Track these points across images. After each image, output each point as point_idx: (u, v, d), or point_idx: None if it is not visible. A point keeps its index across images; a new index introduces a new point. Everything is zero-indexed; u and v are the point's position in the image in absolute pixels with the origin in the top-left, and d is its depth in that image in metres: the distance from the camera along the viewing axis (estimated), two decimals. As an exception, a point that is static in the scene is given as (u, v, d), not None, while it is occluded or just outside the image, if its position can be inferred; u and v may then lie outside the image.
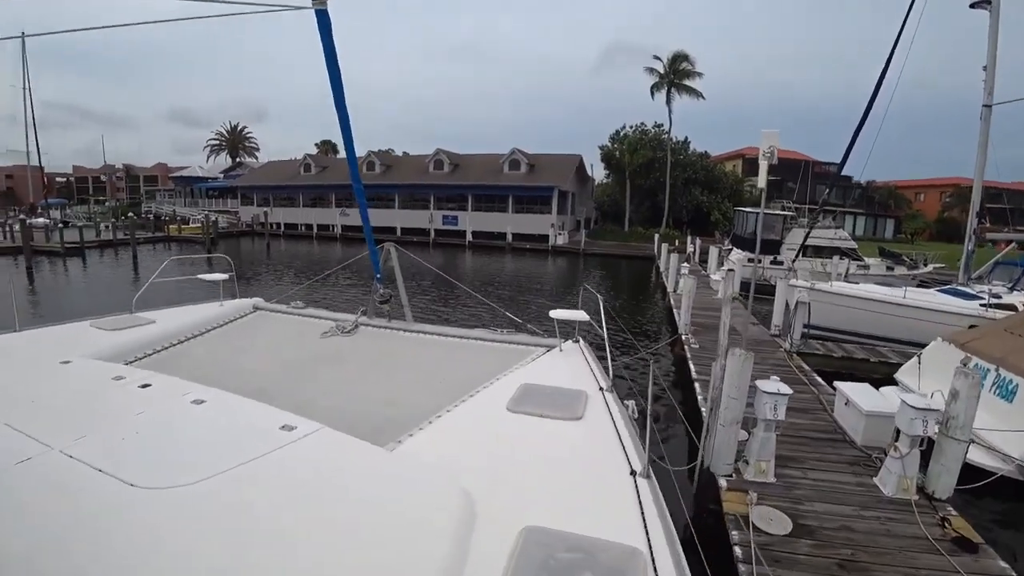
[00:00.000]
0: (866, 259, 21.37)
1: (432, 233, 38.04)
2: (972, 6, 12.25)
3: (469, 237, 36.92)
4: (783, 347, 9.99)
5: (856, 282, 13.58)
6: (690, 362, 9.02)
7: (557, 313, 4.34)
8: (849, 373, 9.59)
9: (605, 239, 37.57)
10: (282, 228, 44.81)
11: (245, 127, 62.59)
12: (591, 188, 49.24)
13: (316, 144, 70.56)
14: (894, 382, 8.08)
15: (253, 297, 6.02)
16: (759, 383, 4.94)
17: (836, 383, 6.67)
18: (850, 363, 9.91)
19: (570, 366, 3.88)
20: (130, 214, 42.66)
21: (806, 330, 10.11)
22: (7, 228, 30.78)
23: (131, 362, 3.95)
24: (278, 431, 2.37)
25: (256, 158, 62.37)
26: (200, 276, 5.81)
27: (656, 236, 32.53)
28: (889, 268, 21.14)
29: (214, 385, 2.94)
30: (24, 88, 37.97)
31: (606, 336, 3.92)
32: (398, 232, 38.94)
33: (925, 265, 21.74)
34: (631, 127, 42.39)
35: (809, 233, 16.08)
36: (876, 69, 12.53)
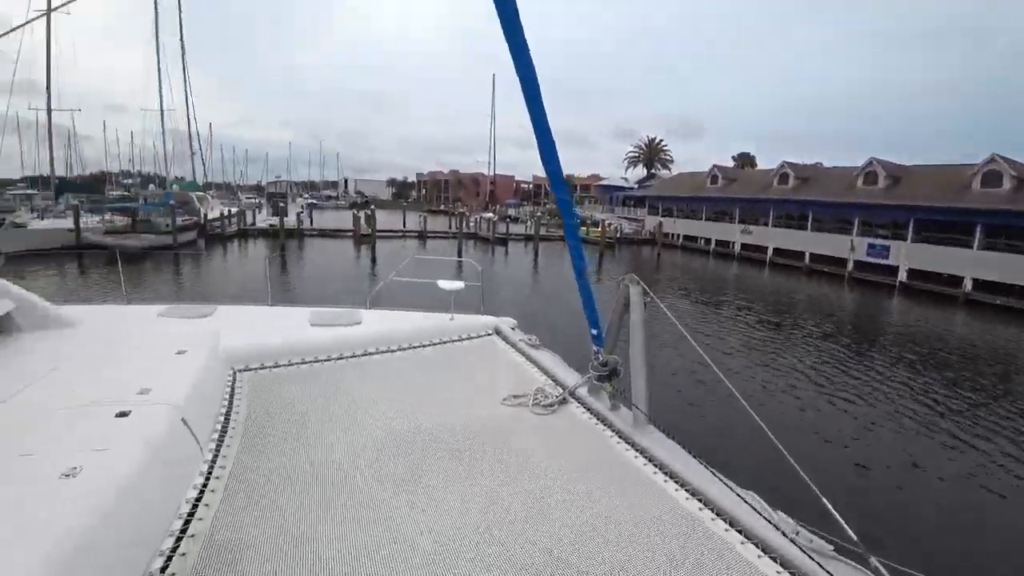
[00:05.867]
0: None
1: (850, 264, 31.01)
2: None
3: (902, 276, 28.36)
4: None
5: None
6: None
7: None
8: None
9: None
10: (680, 240, 44.73)
11: (661, 140, 65.21)
12: None
13: (733, 156, 68.26)
14: None
15: (504, 317, 4.98)
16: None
17: None
18: None
19: None
20: (538, 214, 51.01)
21: None
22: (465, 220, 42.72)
23: (256, 368, 3.77)
24: None
25: (669, 170, 64.31)
26: (439, 282, 5.09)
27: None
28: None
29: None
30: (491, 117, 50.18)
31: None
32: (806, 259, 33.45)
33: None
34: None
35: None
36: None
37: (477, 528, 2.23)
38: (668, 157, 66.08)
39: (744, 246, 38.68)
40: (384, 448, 2.82)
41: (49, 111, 29.88)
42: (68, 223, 27.27)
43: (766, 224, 37.78)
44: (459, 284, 5.02)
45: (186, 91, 43.70)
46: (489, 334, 4.76)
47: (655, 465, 2.73)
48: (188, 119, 43.93)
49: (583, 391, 3.49)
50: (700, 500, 2.44)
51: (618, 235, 44.50)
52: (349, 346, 4.18)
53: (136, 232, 29.14)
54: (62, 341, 3.63)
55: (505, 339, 4.65)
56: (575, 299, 3.45)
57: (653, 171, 64.66)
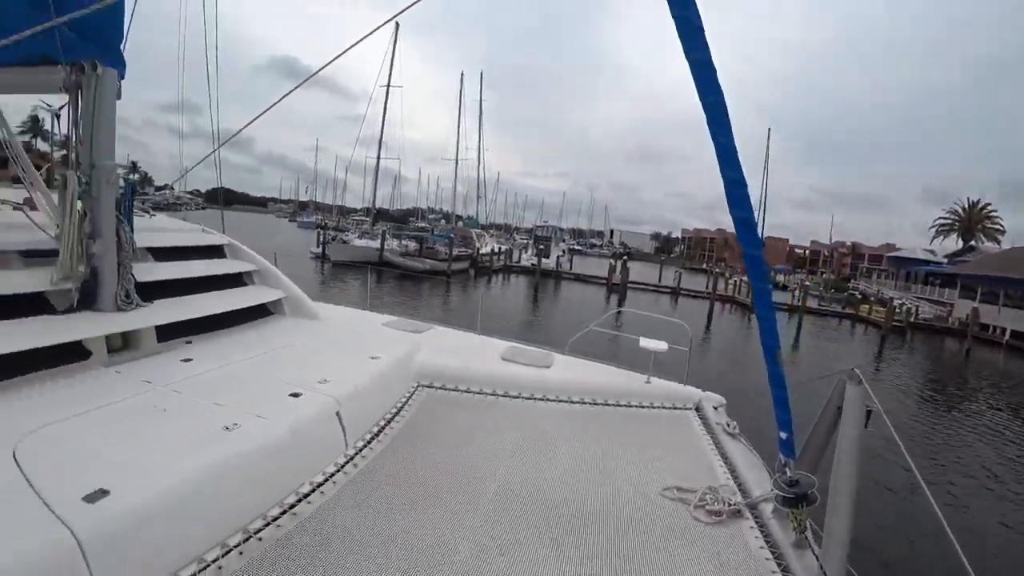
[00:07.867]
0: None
1: None
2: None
3: None
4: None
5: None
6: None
7: None
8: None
9: None
10: (1006, 335, 34.56)
11: (987, 204, 52.14)
12: None
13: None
14: None
15: (711, 392, 4.34)
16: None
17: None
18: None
19: None
20: (807, 283, 44.51)
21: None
22: (725, 282, 41.13)
23: (422, 387, 3.99)
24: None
25: (997, 242, 51.09)
26: (640, 339, 4.64)
27: None
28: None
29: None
30: (764, 172, 47.32)
31: None
32: None
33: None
34: None
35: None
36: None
37: None
38: (997, 226, 52.31)
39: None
40: (512, 498, 2.66)
41: (378, 159, 40.02)
42: (377, 244, 35.62)
43: None
44: (662, 345, 4.60)
45: (479, 146, 52.81)
46: (687, 408, 4.19)
47: None
48: (478, 168, 52.76)
49: (767, 508, 2.65)
50: None
51: (911, 318, 36.66)
52: (530, 387, 4.14)
53: (421, 256, 36.11)
54: (303, 328, 4.43)
55: (703, 418, 4.00)
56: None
57: (972, 243, 52.04)
